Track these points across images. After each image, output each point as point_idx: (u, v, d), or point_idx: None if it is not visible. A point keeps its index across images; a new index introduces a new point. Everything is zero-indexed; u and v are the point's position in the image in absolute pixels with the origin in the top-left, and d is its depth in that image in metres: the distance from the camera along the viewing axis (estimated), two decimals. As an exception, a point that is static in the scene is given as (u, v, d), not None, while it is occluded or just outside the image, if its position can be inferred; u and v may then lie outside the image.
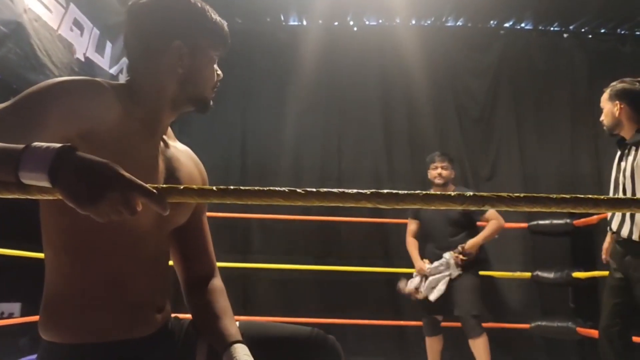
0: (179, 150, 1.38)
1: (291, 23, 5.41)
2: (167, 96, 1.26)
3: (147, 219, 1.20)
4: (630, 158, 2.73)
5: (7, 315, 4.15)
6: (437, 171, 3.85)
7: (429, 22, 5.30)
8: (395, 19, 5.26)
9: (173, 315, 1.38)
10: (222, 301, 1.34)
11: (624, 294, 2.75)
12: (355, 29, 5.36)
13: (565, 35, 5.35)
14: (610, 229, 2.89)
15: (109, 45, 4.04)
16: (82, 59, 3.65)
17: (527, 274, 4.30)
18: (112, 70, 4.10)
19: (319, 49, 5.12)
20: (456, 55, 5.23)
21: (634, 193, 2.66)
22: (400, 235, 4.29)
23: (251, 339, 1.23)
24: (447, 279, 3.57)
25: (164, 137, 1.33)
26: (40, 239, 1.22)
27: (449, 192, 0.96)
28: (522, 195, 0.93)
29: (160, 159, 1.28)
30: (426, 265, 3.68)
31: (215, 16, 1.28)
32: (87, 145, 1.07)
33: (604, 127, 2.91)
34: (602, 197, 0.95)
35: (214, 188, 0.96)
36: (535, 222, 4.23)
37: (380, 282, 4.66)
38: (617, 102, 2.79)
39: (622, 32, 5.29)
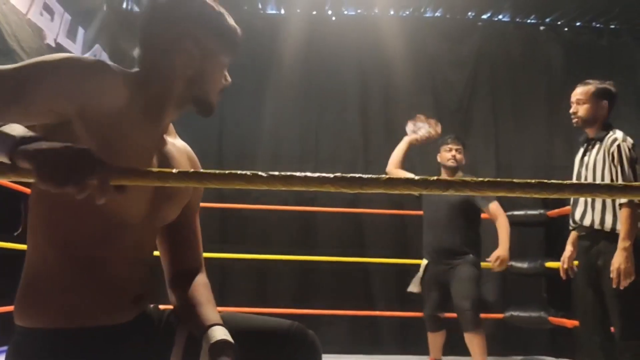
0: (176, 147, 1.37)
1: (269, 12, 5.36)
2: (173, 94, 1.25)
3: (139, 211, 1.21)
4: (594, 152, 2.84)
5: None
6: (452, 153, 3.75)
7: (407, 12, 5.29)
8: (373, 9, 5.24)
9: (153, 305, 1.37)
10: (206, 293, 1.34)
11: (596, 287, 2.80)
12: (333, 18, 5.33)
13: (541, 27, 5.39)
14: (574, 222, 2.98)
15: (80, 30, 3.96)
16: (53, 45, 3.56)
17: (501, 265, 4.34)
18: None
19: (297, 38, 5.08)
20: (434, 46, 5.24)
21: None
22: (375, 226, 4.29)
23: (230, 330, 1.22)
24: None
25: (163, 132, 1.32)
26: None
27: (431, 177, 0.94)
28: (485, 180, 0.91)
29: (155, 153, 1.26)
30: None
31: (231, 21, 1.30)
32: (82, 123, 1.10)
33: (578, 120, 2.96)
34: (566, 182, 0.95)
35: (173, 171, 0.94)
36: (510, 213, 4.25)
37: (356, 271, 4.66)
38: (604, 101, 2.85)
39: (598, 25, 5.35)
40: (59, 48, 3.64)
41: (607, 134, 2.85)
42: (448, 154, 3.76)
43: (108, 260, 1.20)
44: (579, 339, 2.93)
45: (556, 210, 4.16)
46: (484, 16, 5.35)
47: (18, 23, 3.16)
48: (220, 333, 1.19)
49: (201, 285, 1.35)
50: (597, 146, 2.88)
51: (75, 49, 3.87)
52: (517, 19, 5.37)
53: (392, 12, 5.28)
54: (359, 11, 5.31)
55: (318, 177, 0.92)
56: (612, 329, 2.77)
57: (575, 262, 3.04)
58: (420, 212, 3.93)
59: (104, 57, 4.34)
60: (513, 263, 4.13)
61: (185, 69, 1.24)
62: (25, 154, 0.93)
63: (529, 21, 5.38)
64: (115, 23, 4.61)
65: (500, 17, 5.36)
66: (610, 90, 2.92)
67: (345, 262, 4.47)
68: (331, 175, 0.92)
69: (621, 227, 2.64)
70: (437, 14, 5.32)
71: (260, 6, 5.26)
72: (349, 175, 0.93)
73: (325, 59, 5.10)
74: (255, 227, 4.81)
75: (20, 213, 3.74)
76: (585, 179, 2.84)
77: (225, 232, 4.79)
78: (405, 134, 4.15)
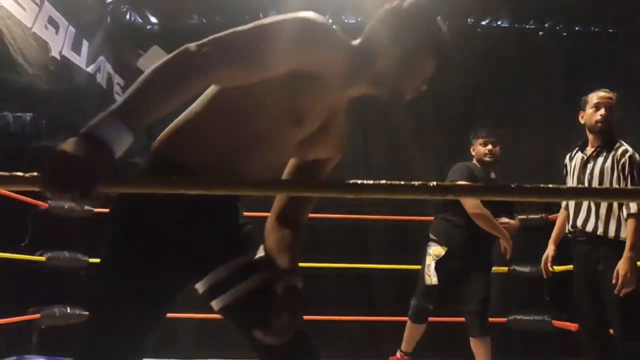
0: (341, 121, 1.57)
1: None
2: (377, 76, 1.42)
3: (295, 141, 1.39)
4: (600, 160, 2.85)
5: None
6: (488, 147, 3.54)
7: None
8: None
9: None
10: (296, 245, 1.46)
11: (595, 291, 2.83)
12: (334, 26, 5.37)
13: (540, 33, 5.43)
14: (573, 227, 3.01)
15: (85, 43, 4.01)
16: (58, 57, 3.62)
17: (504, 269, 4.37)
18: (89, 69, 4.08)
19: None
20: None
21: None
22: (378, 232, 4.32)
23: None
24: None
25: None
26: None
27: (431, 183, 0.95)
28: (483, 185, 0.95)
29: (329, 117, 1.44)
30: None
31: (448, 54, 1.49)
32: (298, 79, 1.29)
33: (604, 125, 2.93)
34: (563, 186, 0.98)
35: (149, 177, 0.99)
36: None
37: (357, 277, 4.70)
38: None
39: (596, 29, 5.39)
40: (64, 61, 3.70)
41: (616, 144, 2.90)
42: (484, 149, 3.56)
43: (250, 161, 1.33)
44: (582, 337, 2.94)
45: (558, 214, 4.18)
46: (483, 22, 5.40)
47: (23, 37, 3.21)
48: (297, 281, 1.33)
49: (294, 237, 1.46)
50: (603, 155, 2.91)
51: (79, 62, 3.94)
52: (516, 25, 5.42)
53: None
54: (359, 19, 5.36)
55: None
56: (611, 331, 2.80)
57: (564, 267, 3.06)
58: (422, 218, 3.96)
59: (108, 68, 4.40)
60: (515, 267, 4.17)
61: (399, 63, 1.39)
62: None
63: (527, 27, 5.43)
64: (118, 35, 4.68)
65: (499, 22, 5.41)
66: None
67: (347, 268, 4.50)
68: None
69: (628, 237, 2.67)
70: (436, 20, 5.37)
71: (261, 15, 5.32)
72: (352, 181, 0.96)
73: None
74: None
75: (27, 225, 3.81)
76: (590, 185, 2.86)
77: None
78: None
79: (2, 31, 3.01)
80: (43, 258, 3.75)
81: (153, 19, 5.27)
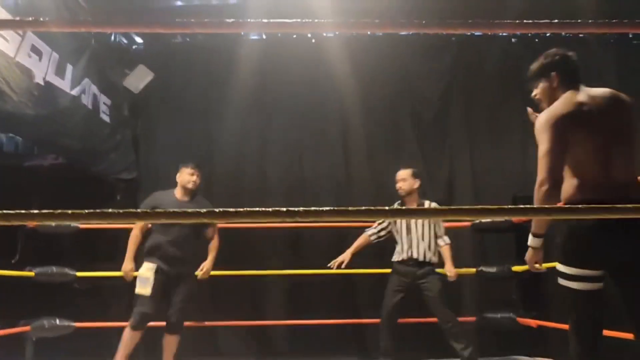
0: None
1: (252, 37, 5.62)
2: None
3: None
4: None
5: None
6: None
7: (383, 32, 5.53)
8: (351, 32, 5.47)
9: None
10: None
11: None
12: (313, 40, 5.58)
13: (513, 40, 5.60)
14: None
15: (69, 67, 4.21)
16: (42, 83, 3.81)
17: (472, 270, 4.54)
18: (74, 92, 4.27)
19: (277, 60, 5.37)
20: (410, 62, 5.47)
21: None
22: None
23: None
24: None
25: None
26: None
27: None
28: (448, 207, 1.13)
29: None
30: None
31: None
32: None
33: None
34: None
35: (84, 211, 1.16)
36: (478, 221, 4.46)
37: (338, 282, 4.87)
38: None
39: (568, 35, 5.54)
40: (48, 86, 3.89)
41: None
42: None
43: None
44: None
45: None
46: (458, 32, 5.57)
47: (6, 66, 3.41)
48: None
49: None
50: None
51: (64, 85, 4.13)
52: (490, 33, 5.58)
53: (369, 32, 5.52)
54: (337, 33, 5.55)
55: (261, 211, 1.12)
56: None
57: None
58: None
59: (93, 89, 4.62)
60: (483, 268, 4.34)
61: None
62: None
63: (500, 34, 5.59)
64: (104, 56, 4.88)
65: (473, 32, 5.58)
66: None
67: (331, 274, 4.69)
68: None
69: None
70: (412, 31, 5.54)
71: (242, 33, 5.52)
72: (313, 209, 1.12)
73: (305, 79, 5.36)
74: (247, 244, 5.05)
75: (17, 241, 4.03)
76: None
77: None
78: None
79: (-14, 63, 3.23)
80: (32, 273, 3.95)
81: (138, 39, 5.49)
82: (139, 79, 5.24)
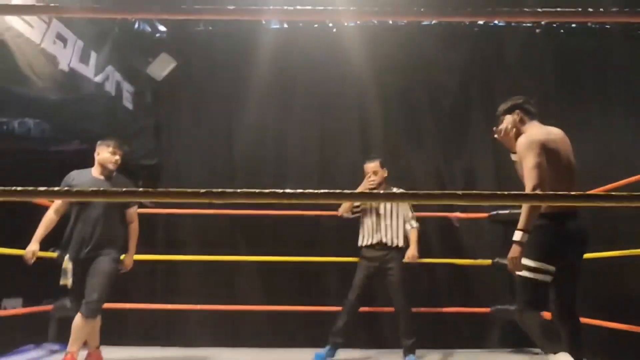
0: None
1: (273, 26, 5.66)
2: None
3: None
4: None
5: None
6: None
7: (404, 21, 5.50)
8: (372, 20, 5.47)
9: None
10: None
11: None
12: (334, 30, 5.59)
13: (537, 30, 5.53)
14: None
15: (93, 54, 4.31)
16: (67, 69, 3.91)
17: (488, 261, 4.53)
18: (97, 79, 4.37)
19: (297, 48, 5.40)
20: (430, 52, 5.44)
21: None
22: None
23: None
24: None
25: None
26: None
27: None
28: (438, 192, 1.16)
29: None
30: None
31: None
32: None
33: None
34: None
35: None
36: (495, 212, 4.44)
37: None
38: None
39: (592, 26, 5.46)
40: (72, 72, 3.99)
41: None
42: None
43: None
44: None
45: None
46: (480, 21, 5.52)
47: (32, 53, 3.51)
48: None
49: None
50: None
51: (88, 72, 4.23)
52: (512, 23, 5.52)
53: (390, 22, 5.51)
54: (358, 22, 5.55)
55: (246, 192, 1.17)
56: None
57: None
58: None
59: (116, 76, 4.71)
60: (499, 259, 4.32)
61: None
62: None
63: (523, 24, 5.52)
64: (127, 44, 4.96)
65: (495, 21, 5.52)
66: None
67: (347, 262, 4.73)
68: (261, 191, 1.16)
69: None
70: (433, 20, 5.52)
71: (264, 21, 5.56)
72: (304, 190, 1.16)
73: (325, 69, 5.37)
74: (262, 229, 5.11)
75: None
76: None
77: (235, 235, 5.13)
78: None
79: (13, 49, 3.32)
80: (54, 254, 4.07)
81: (161, 27, 5.56)
82: (161, 67, 5.32)
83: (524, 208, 2.63)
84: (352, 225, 4.28)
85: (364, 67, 5.35)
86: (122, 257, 3.70)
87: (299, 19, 5.10)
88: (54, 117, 4.14)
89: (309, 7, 1.37)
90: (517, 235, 2.59)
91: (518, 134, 2.86)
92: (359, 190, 4.03)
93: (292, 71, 5.46)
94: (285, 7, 1.41)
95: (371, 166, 4.20)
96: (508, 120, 2.95)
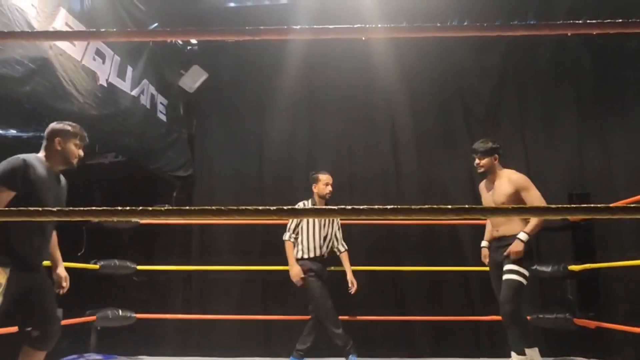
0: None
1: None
2: None
3: None
4: None
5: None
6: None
7: (435, 24, 5.48)
8: (402, 23, 5.46)
9: None
10: None
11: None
12: (363, 37, 5.57)
13: (569, 34, 5.44)
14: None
15: (129, 69, 4.39)
16: (105, 85, 3.99)
17: (526, 269, 4.46)
18: (134, 92, 4.44)
19: (326, 57, 5.43)
20: (461, 56, 5.41)
21: None
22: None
23: None
24: None
25: None
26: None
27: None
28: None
29: None
30: None
31: None
32: None
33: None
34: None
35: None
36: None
37: (388, 279, 4.89)
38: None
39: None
40: (111, 87, 4.07)
41: None
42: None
43: None
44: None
45: (579, 216, 4.26)
46: (511, 24, 5.46)
47: (73, 69, 3.59)
48: None
49: None
50: None
51: (125, 86, 4.30)
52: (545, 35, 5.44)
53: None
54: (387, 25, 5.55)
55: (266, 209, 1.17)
56: None
57: (586, 266, 3.18)
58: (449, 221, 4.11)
59: (151, 89, 4.78)
60: (537, 267, 4.26)
61: None
62: None
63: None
64: (160, 58, 5.04)
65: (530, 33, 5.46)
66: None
67: (378, 271, 4.72)
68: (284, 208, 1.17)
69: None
70: (464, 24, 5.48)
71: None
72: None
73: (354, 74, 5.39)
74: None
75: (83, 236, 4.22)
76: None
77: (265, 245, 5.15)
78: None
79: (56, 67, 3.40)
80: (97, 266, 4.15)
81: (193, 41, 5.64)
82: (193, 79, 5.40)
83: (535, 220, 3.39)
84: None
85: (393, 75, 5.35)
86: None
87: (328, 37, 5.13)
88: (94, 131, 4.21)
89: (338, 26, 1.40)
90: (523, 236, 3.43)
91: (493, 172, 3.69)
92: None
93: (321, 81, 5.49)
94: (314, 26, 1.45)
95: (330, 177, 4.33)
96: (487, 161, 3.69)
